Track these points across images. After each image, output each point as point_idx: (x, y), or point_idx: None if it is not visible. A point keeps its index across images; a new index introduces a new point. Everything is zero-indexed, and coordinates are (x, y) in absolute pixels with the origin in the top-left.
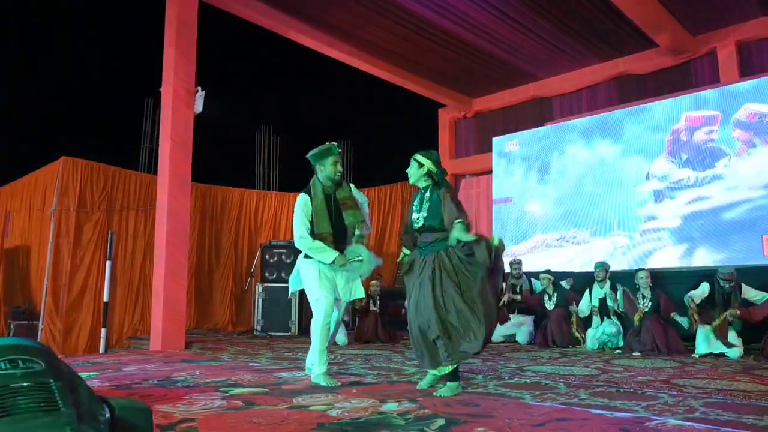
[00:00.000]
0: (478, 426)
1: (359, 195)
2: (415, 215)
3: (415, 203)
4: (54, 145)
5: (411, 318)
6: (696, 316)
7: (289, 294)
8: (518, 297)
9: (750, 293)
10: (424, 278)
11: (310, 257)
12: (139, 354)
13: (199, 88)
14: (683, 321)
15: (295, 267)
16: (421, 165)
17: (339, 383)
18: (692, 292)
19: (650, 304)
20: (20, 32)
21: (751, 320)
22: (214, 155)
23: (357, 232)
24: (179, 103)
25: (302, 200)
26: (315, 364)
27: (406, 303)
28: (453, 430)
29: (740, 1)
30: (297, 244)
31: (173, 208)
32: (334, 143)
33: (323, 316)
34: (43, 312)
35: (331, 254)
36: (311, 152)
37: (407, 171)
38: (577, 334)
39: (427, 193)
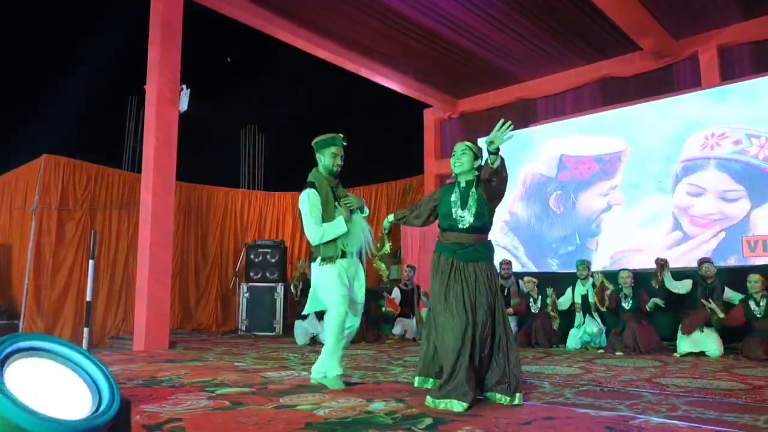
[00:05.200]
0: (466, 425)
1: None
2: (458, 212)
3: (452, 198)
4: (35, 142)
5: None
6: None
7: (306, 311)
8: (511, 311)
9: (729, 294)
10: (471, 287)
11: (324, 264)
12: (123, 354)
13: (184, 86)
14: (657, 301)
15: (312, 286)
16: (477, 157)
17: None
18: (677, 282)
19: (632, 303)
20: (2, 28)
21: (731, 324)
22: (199, 154)
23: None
24: (164, 101)
25: (311, 195)
26: (330, 366)
27: (428, 305)
28: (440, 429)
29: (721, 6)
30: (316, 243)
31: (157, 207)
32: (339, 134)
33: (339, 316)
34: (24, 311)
35: (342, 222)
36: (316, 139)
37: (455, 161)
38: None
39: (473, 189)
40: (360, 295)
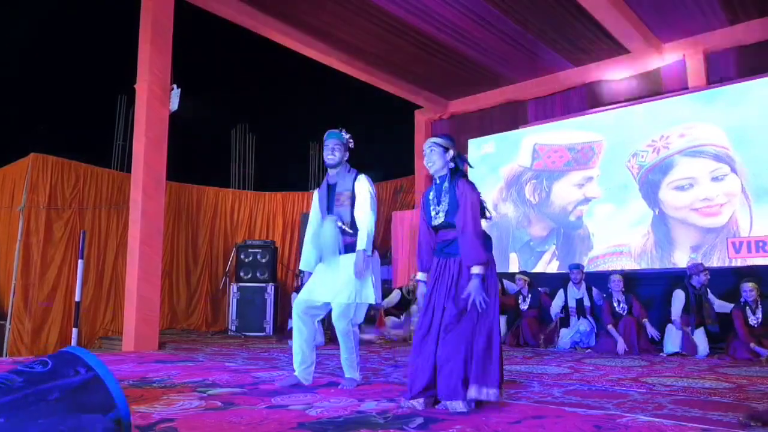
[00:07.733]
0: (456, 424)
1: (366, 189)
2: (433, 210)
3: (431, 196)
4: (23, 141)
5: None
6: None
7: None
8: None
9: (720, 306)
10: (442, 288)
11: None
12: (112, 354)
13: (175, 85)
14: (653, 332)
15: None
16: (446, 149)
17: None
18: (673, 310)
19: (626, 306)
20: None
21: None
22: (190, 153)
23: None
24: (154, 100)
25: (315, 194)
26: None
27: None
28: (431, 428)
29: (707, 11)
30: None
31: (147, 206)
32: (340, 129)
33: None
34: (11, 311)
35: (304, 261)
36: None
37: (427, 161)
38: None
39: (446, 183)
40: (325, 297)
